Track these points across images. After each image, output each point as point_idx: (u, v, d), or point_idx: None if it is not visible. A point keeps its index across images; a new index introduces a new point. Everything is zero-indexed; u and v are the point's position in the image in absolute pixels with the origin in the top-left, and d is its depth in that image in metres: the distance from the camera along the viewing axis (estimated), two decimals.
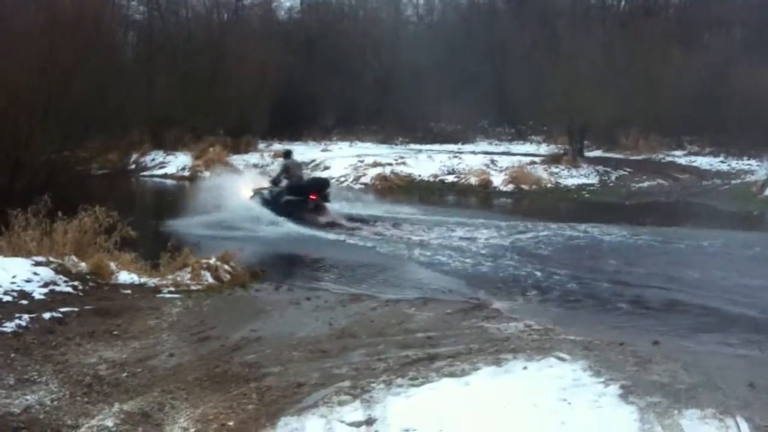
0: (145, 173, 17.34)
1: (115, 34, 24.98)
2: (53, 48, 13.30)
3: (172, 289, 9.20)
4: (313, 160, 27.32)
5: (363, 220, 16.16)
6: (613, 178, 24.08)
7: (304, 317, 8.16)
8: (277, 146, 31.04)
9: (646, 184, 23.33)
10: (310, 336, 7.29)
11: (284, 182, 16.41)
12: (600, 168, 24.88)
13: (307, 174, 19.92)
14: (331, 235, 14.56)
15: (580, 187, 22.96)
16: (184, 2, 43.12)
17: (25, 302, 7.83)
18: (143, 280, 9.44)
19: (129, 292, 8.93)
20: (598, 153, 29.18)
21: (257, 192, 16.77)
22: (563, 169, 24.47)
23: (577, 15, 34.39)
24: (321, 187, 16.58)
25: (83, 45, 13.81)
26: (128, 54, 32.94)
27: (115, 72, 15.48)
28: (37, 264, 8.79)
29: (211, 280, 9.71)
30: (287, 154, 17.95)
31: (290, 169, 16.79)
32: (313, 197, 15.99)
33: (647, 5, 39.87)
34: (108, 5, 22.77)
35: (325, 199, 16.22)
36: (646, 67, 26.21)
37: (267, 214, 15.66)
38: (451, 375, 6.01)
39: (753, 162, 26.37)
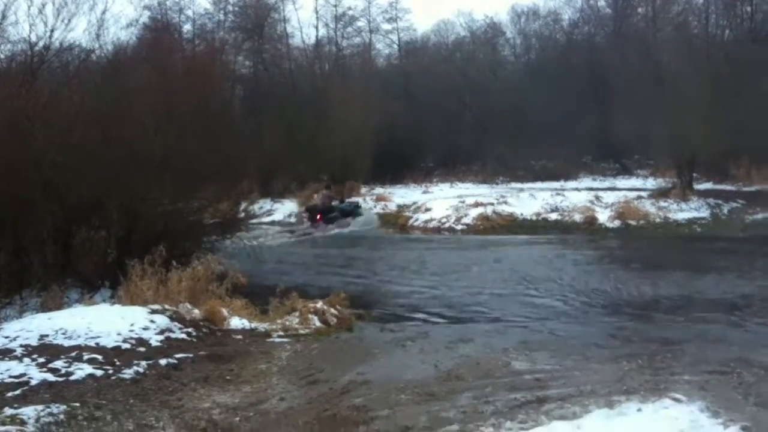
0: (254, 221, 17.84)
1: (224, 89, 26.03)
2: (167, 105, 13.96)
3: (282, 333, 9.41)
4: (415, 203, 27.50)
5: None
6: (725, 210, 23.12)
7: (410, 359, 8.19)
8: (380, 190, 31.47)
9: (760, 216, 22.23)
10: (417, 379, 7.29)
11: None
12: (711, 200, 23.94)
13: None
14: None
15: (691, 221, 22.13)
16: (287, 55, 44.77)
17: (142, 349, 8.13)
18: (254, 325, 9.68)
19: (240, 337, 9.18)
20: (708, 185, 28.15)
21: None
22: (672, 203, 23.67)
23: (680, 46, 33.55)
24: (322, 212, 24.43)
25: (195, 101, 14.42)
26: (236, 107, 34.22)
27: (225, 125, 16.06)
28: (154, 312, 9.15)
29: (318, 323, 9.90)
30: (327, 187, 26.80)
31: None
32: (318, 218, 24.20)
33: (753, 33, 38.57)
34: (216, 62, 23.80)
35: (329, 221, 24.12)
36: (755, 94, 25.14)
37: None
38: (562, 418, 5.89)
39: None
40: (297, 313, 9.98)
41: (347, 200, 26.84)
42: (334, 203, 25.40)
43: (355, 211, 25.50)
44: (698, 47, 33.94)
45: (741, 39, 37.37)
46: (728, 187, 27.77)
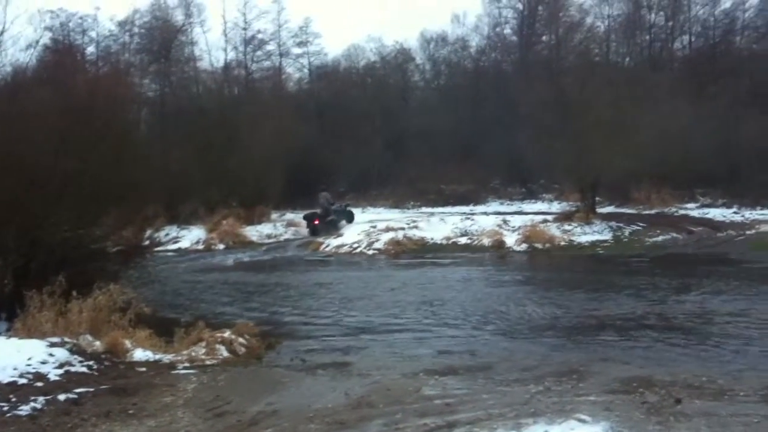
0: (159, 249, 17.33)
1: (129, 113, 25.41)
2: (68, 129, 13.48)
3: (187, 364, 9.15)
4: None
5: None
6: (626, 233, 23.91)
7: (320, 388, 8.10)
8: (290, 215, 31.20)
9: (660, 238, 23.15)
10: (327, 407, 7.22)
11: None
12: (613, 223, 24.75)
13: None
14: None
15: (594, 244, 22.75)
16: (195, 78, 44.22)
17: (40, 384, 7.80)
18: (158, 356, 9.39)
19: (144, 369, 8.88)
20: (610, 208, 29.17)
21: None
22: (576, 226, 24.36)
23: (582, 72, 34.78)
24: (317, 217, 27.72)
25: (98, 124, 13.99)
26: (143, 130, 33.48)
27: (129, 149, 15.63)
28: (53, 345, 8.79)
29: (226, 353, 9.67)
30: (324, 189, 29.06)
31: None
32: (316, 222, 27.52)
33: (653, 60, 40.47)
34: (121, 84, 23.25)
35: (329, 223, 27.30)
36: (655, 120, 26.22)
37: None
38: None
39: (767, 211, 26.34)
40: (204, 344, 9.72)
41: (337, 203, 29.34)
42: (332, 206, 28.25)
43: (347, 212, 28.80)
44: (600, 73, 35.30)
45: (641, 65, 39.14)
46: (629, 210, 28.91)
